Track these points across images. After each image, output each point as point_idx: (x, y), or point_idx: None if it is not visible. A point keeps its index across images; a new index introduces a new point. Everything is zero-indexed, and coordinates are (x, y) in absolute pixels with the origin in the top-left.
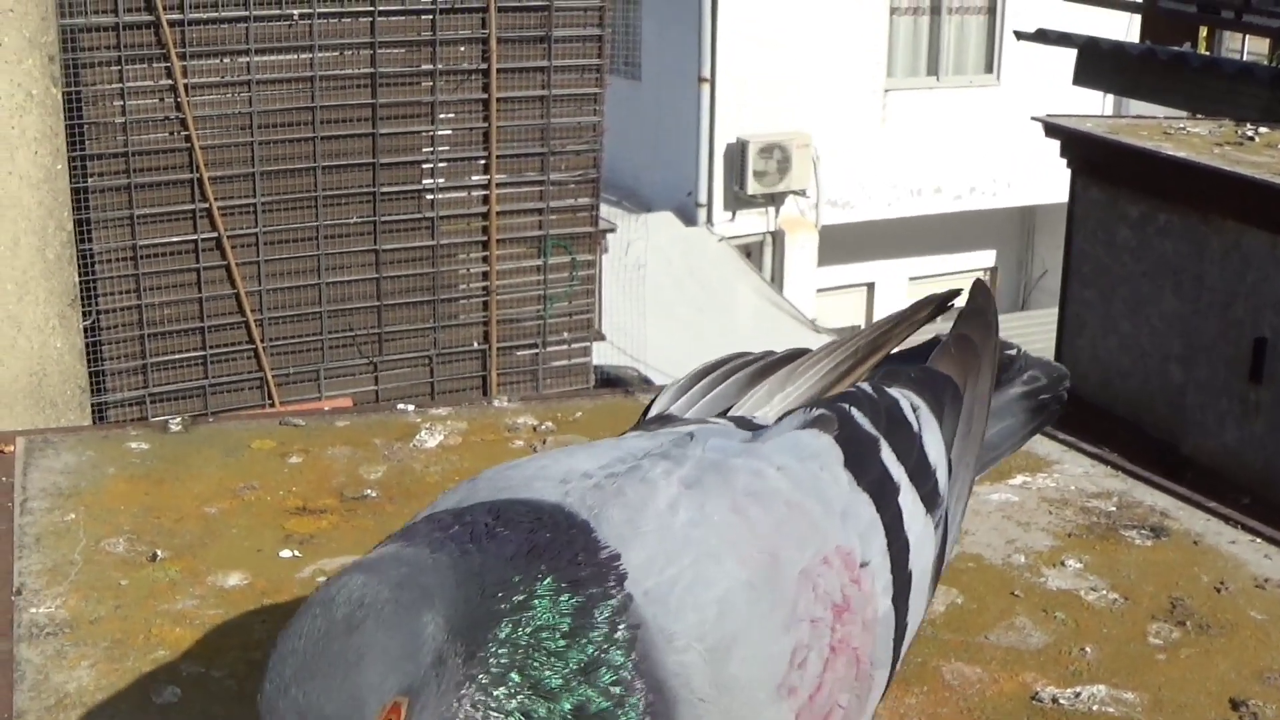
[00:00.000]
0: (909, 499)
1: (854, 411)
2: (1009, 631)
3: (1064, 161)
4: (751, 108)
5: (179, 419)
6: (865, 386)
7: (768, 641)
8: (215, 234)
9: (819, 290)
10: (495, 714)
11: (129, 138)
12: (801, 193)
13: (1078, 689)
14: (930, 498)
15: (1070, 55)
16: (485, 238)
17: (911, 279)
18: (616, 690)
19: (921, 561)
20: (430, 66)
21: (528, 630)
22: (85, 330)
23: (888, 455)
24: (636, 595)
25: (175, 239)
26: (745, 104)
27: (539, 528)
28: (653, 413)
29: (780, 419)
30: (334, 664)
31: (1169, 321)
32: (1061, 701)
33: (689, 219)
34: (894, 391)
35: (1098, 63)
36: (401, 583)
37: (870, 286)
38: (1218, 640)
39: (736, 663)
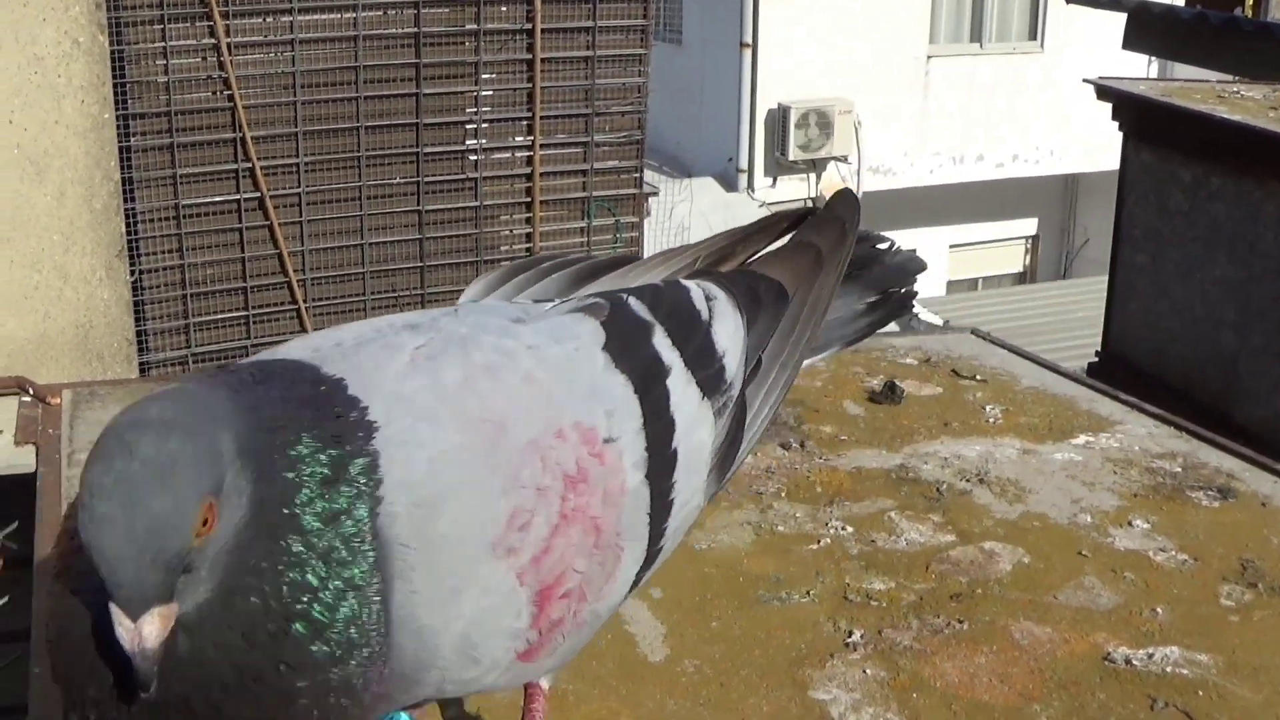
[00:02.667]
0: (680, 382)
1: (630, 300)
2: (1078, 591)
3: (1114, 126)
4: (793, 73)
5: None
6: (658, 280)
7: (481, 502)
8: (258, 194)
9: None
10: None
11: (171, 97)
12: (843, 159)
13: (1150, 650)
14: (711, 382)
15: (1114, 21)
16: (529, 199)
17: (952, 246)
18: (355, 542)
19: (693, 441)
20: (474, 26)
21: (297, 473)
22: (130, 287)
23: (660, 340)
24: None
25: (218, 198)
26: (787, 69)
27: (298, 380)
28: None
29: (554, 305)
30: (152, 470)
31: (1221, 287)
32: (1135, 663)
33: (730, 184)
34: (689, 284)
35: (1148, 27)
36: (193, 406)
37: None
38: None
39: (445, 519)
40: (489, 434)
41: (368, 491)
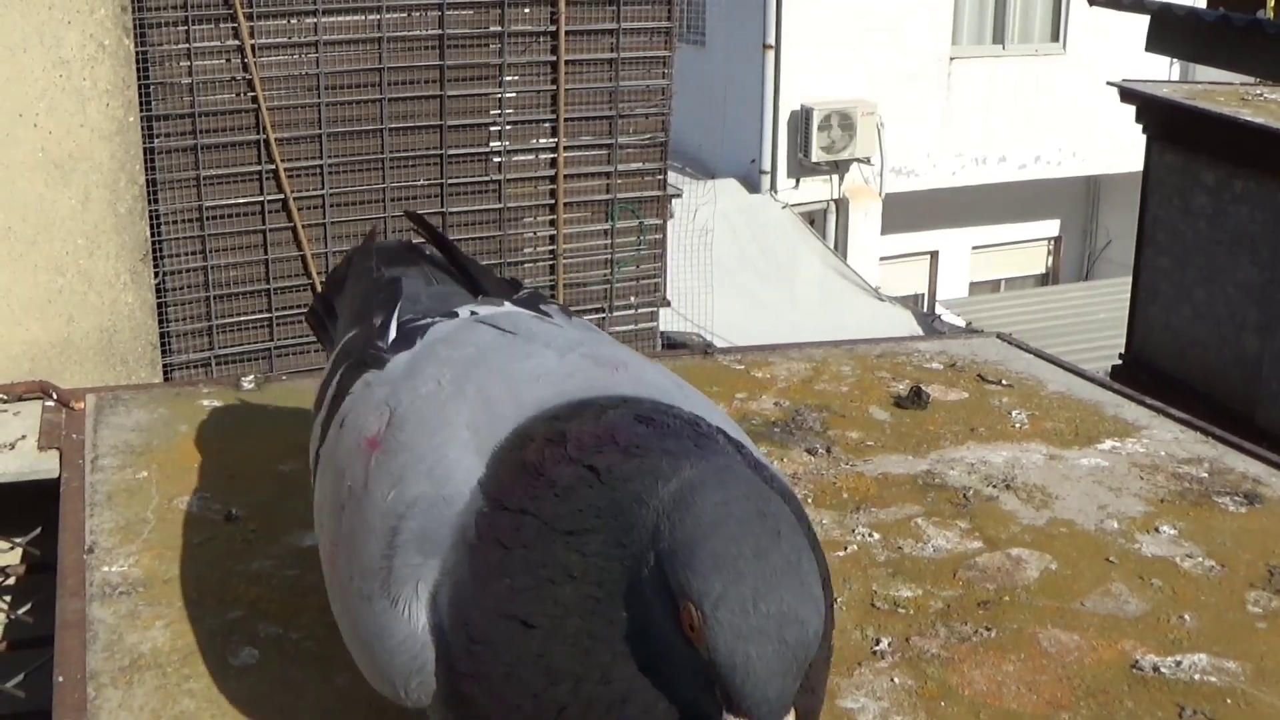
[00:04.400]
0: None
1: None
2: (1105, 598)
3: (1136, 128)
4: (816, 75)
5: (251, 377)
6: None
7: None
8: (282, 195)
9: (882, 258)
10: None
11: (195, 98)
12: (866, 160)
13: (1178, 657)
14: None
15: (1137, 22)
16: (552, 201)
17: (975, 248)
18: None
19: None
20: (499, 28)
21: None
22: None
23: None
24: None
25: (241, 200)
26: (810, 71)
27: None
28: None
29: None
30: (783, 571)
31: (1245, 290)
32: (1163, 670)
33: (753, 186)
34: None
35: (1171, 29)
36: (753, 487)
37: (934, 255)
38: None
39: None
40: None
41: None
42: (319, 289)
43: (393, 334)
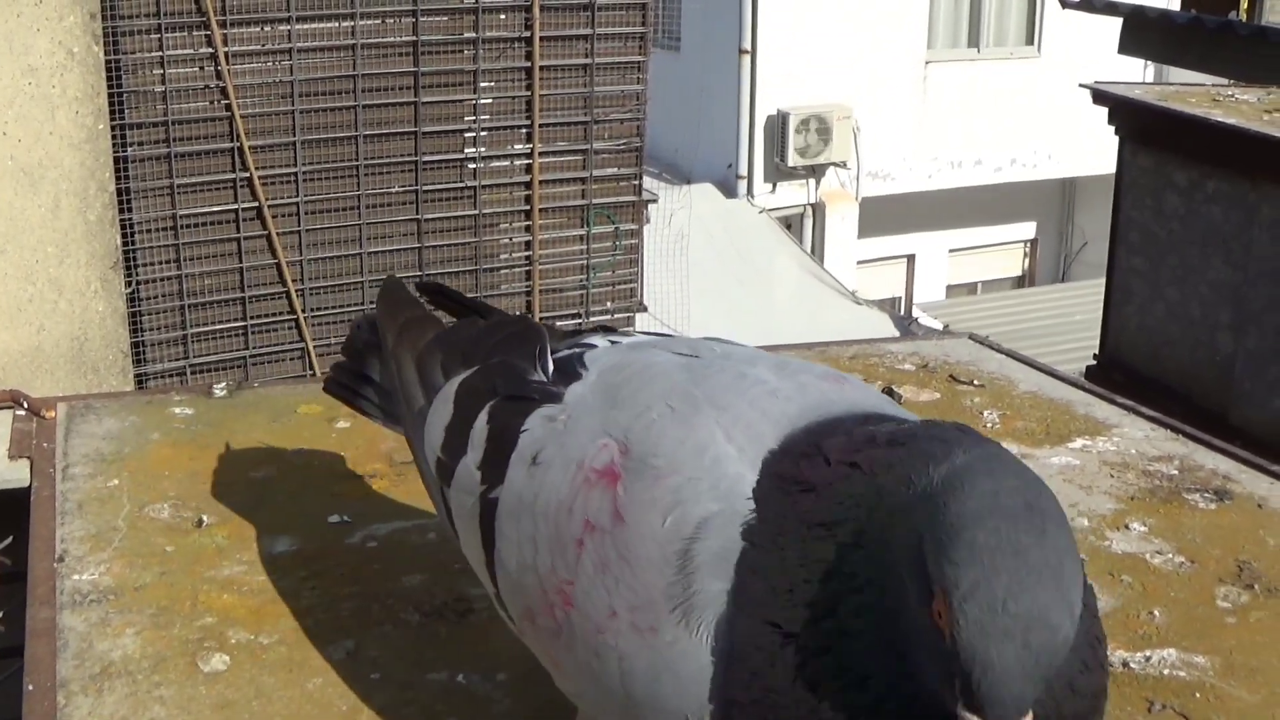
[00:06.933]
0: None
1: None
2: None
3: (1110, 130)
4: (792, 79)
5: (223, 384)
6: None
7: None
8: (256, 203)
9: (859, 262)
10: None
11: (169, 106)
12: (842, 165)
13: (1148, 653)
14: None
15: (1112, 25)
16: (528, 207)
17: (951, 251)
18: None
19: None
20: (473, 34)
21: None
22: (126, 299)
23: None
24: None
25: (215, 208)
26: (786, 76)
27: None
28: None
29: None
30: (1041, 571)
31: (1217, 290)
32: (1132, 665)
33: (729, 191)
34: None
35: (1144, 31)
36: (1026, 479)
37: (911, 258)
38: None
39: None
40: None
41: None
42: (341, 360)
43: (551, 368)
